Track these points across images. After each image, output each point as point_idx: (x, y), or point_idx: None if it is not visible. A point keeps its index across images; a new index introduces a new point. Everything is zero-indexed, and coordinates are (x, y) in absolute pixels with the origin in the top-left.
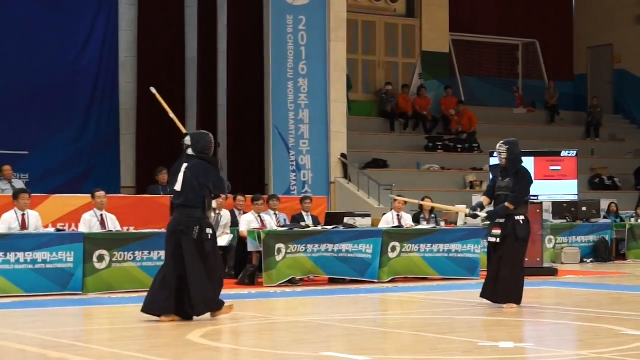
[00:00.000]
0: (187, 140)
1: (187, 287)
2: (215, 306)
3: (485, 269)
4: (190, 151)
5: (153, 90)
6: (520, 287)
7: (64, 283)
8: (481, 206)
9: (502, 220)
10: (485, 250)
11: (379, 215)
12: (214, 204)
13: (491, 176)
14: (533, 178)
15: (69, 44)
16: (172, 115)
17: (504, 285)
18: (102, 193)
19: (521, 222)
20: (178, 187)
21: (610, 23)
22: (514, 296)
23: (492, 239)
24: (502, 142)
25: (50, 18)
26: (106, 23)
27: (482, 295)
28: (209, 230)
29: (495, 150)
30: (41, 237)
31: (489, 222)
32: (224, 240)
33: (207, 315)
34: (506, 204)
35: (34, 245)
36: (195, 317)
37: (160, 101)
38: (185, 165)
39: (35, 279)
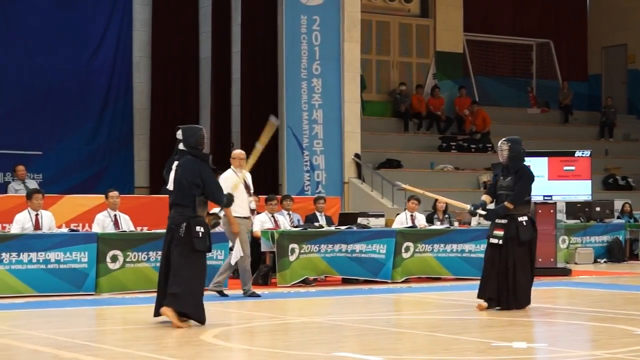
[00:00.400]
0: (179, 134)
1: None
2: (189, 308)
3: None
4: (181, 146)
5: (273, 119)
6: (530, 289)
7: (79, 283)
8: (483, 205)
9: (504, 221)
10: None
11: (392, 215)
12: (253, 204)
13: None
14: (535, 176)
15: (83, 44)
16: (260, 147)
17: (522, 293)
18: (115, 193)
19: (524, 223)
20: (170, 185)
21: (624, 23)
22: (528, 300)
23: (494, 240)
24: (504, 139)
25: (65, 19)
26: (120, 23)
27: (493, 303)
28: (199, 229)
29: (497, 148)
30: (55, 237)
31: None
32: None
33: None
34: (505, 203)
35: (47, 246)
36: (160, 315)
37: (267, 131)
38: (176, 162)
39: (48, 279)
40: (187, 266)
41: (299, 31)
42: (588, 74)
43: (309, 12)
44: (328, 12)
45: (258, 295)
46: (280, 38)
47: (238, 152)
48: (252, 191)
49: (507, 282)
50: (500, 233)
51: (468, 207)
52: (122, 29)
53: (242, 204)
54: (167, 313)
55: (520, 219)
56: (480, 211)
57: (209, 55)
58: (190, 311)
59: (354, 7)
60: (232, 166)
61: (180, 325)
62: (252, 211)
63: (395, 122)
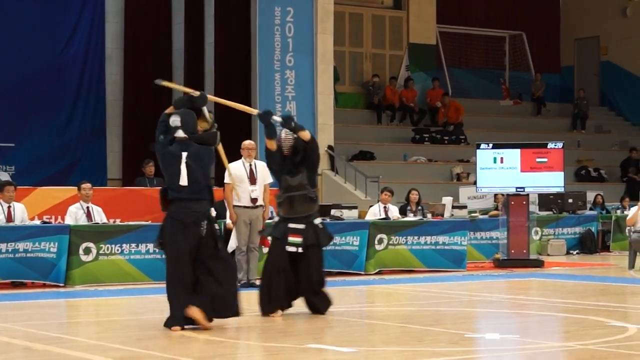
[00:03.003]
0: (176, 121)
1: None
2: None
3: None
4: (180, 133)
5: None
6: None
7: (45, 273)
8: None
9: (301, 227)
10: (471, 243)
11: (365, 207)
12: (255, 193)
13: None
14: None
15: (55, 35)
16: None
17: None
18: (88, 185)
19: (320, 226)
20: (183, 181)
21: (597, 15)
22: (329, 300)
23: (292, 249)
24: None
25: (36, 10)
26: (92, 15)
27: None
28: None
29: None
30: (27, 229)
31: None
32: None
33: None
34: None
35: (19, 237)
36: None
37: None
38: (185, 154)
39: (14, 267)
40: (217, 264)
41: (273, 23)
42: (560, 66)
43: (283, 4)
44: (301, 4)
45: (255, 286)
46: (253, 30)
47: (247, 143)
48: (256, 180)
49: (310, 286)
50: (299, 240)
51: (255, 111)
52: (94, 21)
53: (243, 193)
54: (195, 314)
55: (316, 221)
56: (276, 117)
57: (182, 47)
58: (227, 313)
59: None
60: (242, 157)
61: (208, 326)
62: (254, 200)
63: (369, 114)
